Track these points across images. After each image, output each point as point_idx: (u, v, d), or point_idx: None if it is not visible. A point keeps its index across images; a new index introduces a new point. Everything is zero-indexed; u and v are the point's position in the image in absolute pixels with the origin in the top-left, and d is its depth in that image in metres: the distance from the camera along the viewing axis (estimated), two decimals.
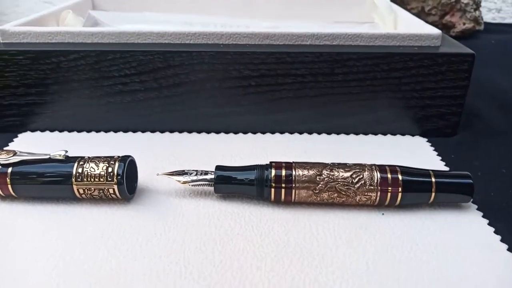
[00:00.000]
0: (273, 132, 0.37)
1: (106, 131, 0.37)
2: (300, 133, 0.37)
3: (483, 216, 0.27)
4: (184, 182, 0.28)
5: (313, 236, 0.25)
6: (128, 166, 0.28)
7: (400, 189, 0.26)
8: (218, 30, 0.35)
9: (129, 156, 0.28)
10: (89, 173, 0.27)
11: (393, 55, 0.34)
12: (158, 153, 0.34)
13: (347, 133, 0.37)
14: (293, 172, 0.27)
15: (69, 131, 0.37)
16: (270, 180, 0.27)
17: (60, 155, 0.28)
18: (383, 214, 0.27)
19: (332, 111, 0.36)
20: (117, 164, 0.27)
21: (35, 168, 0.28)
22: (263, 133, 0.37)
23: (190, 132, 0.37)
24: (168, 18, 0.47)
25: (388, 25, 0.43)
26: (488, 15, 0.77)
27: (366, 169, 0.27)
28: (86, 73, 0.35)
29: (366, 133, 0.37)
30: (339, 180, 0.26)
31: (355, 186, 0.26)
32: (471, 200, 0.27)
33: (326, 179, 0.27)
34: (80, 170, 0.27)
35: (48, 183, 0.27)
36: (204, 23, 0.45)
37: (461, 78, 0.34)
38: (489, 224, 0.26)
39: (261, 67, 0.34)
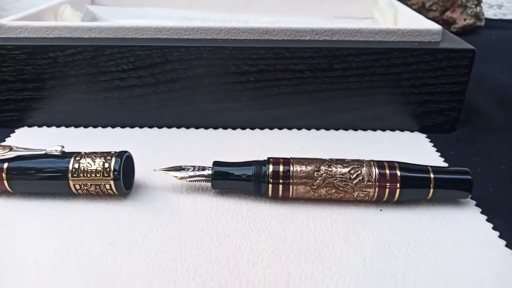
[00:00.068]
0: (271, 128, 0.37)
1: (103, 127, 0.37)
2: (299, 129, 0.37)
3: (481, 212, 0.26)
4: (181, 178, 0.28)
5: (310, 232, 0.25)
6: (125, 161, 0.27)
7: (398, 185, 0.26)
8: (217, 25, 0.35)
9: (126, 152, 0.28)
10: (86, 169, 0.27)
11: (392, 50, 0.33)
12: (156, 149, 0.33)
13: (346, 129, 0.36)
14: (291, 168, 0.27)
15: (67, 126, 0.37)
16: (267, 176, 0.27)
17: (57, 150, 0.28)
18: (381, 210, 0.27)
19: (331, 106, 0.36)
20: (113, 160, 0.27)
21: (31, 164, 0.27)
22: (262, 128, 0.37)
23: (187, 127, 0.37)
24: (167, 14, 0.47)
25: (389, 20, 0.43)
26: (489, 11, 0.76)
27: (364, 165, 0.27)
28: (83, 68, 0.35)
29: (365, 129, 0.36)
30: (337, 176, 0.26)
31: (353, 182, 0.26)
32: (470, 196, 0.27)
33: (324, 175, 0.26)
34: (76, 165, 0.27)
35: (44, 178, 0.27)
36: (204, 19, 0.45)
37: (461, 74, 0.34)
38: (487, 220, 0.26)
39: (260, 63, 0.34)
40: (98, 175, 0.27)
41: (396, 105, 0.35)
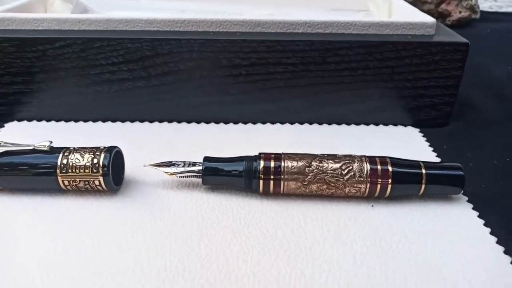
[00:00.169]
0: (264, 122, 0.36)
1: (94, 121, 0.36)
2: (291, 123, 0.36)
3: (473, 208, 0.26)
4: (172, 174, 0.27)
5: (301, 228, 0.25)
6: (114, 157, 0.27)
7: (390, 180, 0.26)
8: (208, 18, 0.35)
9: (115, 147, 0.28)
10: (74, 164, 0.27)
11: (385, 43, 0.33)
12: (147, 144, 0.33)
13: (339, 123, 0.36)
14: (282, 164, 0.26)
15: (57, 120, 0.37)
16: (258, 172, 0.26)
17: (45, 146, 0.27)
18: (372, 206, 0.26)
19: (324, 100, 0.35)
20: (102, 155, 0.27)
21: (19, 159, 0.27)
22: (254, 123, 0.36)
23: (179, 121, 0.36)
24: (161, 5, 0.46)
25: (383, 13, 0.42)
26: (485, 4, 0.76)
27: (356, 160, 0.26)
28: (73, 61, 0.34)
29: (358, 123, 0.36)
30: (328, 171, 0.26)
31: (344, 177, 0.26)
32: (462, 192, 0.27)
33: (315, 170, 0.26)
34: (65, 161, 0.27)
35: (33, 174, 0.27)
36: (197, 10, 0.44)
37: (454, 67, 0.33)
38: (479, 216, 0.26)
39: (252, 56, 0.34)
40: (87, 171, 0.26)
41: (389, 99, 0.35)
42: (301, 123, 0.36)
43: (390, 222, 0.25)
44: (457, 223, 0.25)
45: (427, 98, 0.35)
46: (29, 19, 0.35)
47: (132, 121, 0.36)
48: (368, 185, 0.26)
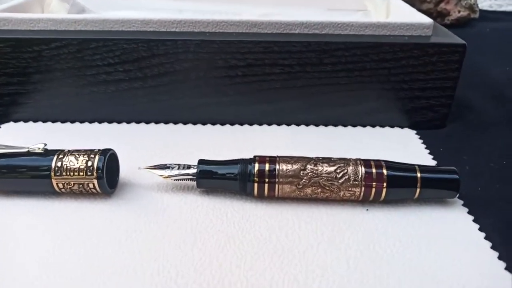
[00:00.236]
0: (260, 124, 0.36)
1: (90, 122, 0.36)
2: (288, 124, 0.36)
3: (468, 213, 0.26)
4: (166, 177, 0.27)
5: (295, 232, 0.25)
6: (109, 159, 0.27)
7: (384, 184, 0.26)
8: (205, 18, 0.34)
9: (110, 150, 0.28)
10: (68, 167, 0.26)
11: (382, 45, 0.33)
12: (143, 145, 0.33)
13: (336, 125, 0.36)
14: (277, 167, 0.26)
15: (53, 121, 0.36)
16: (253, 175, 0.26)
17: (39, 148, 0.27)
18: (367, 209, 0.26)
19: (320, 102, 0.35)
20: (97, 158, 0.27)
21: (13, 162, 0.27)
22: (250, 124, 0.36)
23: (175, 123, 0.36)
24: (160, 5, 0.46)
25: (381, 13, 0.42)
26: (485, 2, 0.75)
27: (351, 163, 0.26)
28: (69, 62, 0.34)
29: (354, 125, 0.36)
30: (323, 175, 0.26)
31: (339, 181, 0.26)
32: (457, 196, 0.27)
33: (309, 174, 0.26)
34: (59, 164, 0.27)
35: (27, 177, 0.27)
36: (195, 10, 0.44)
37: (451, 69, 0.33)
38: (474, 220, 0.25)
39: (248, 57, 0.33)
40: (81, 173, 0.26)
41: (386, 100, 0.35)
42: (298, 124, 0.36)
43: (385, 226, 0.25)
44: (452, 227, 0.25)
45: (424, 100, 0.35)
46: (25, 19, 0.35)
47: (128, 122, 0.36)
48: (363, 188, 0.26)
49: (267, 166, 0.26)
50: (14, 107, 0.36)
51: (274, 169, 0.26)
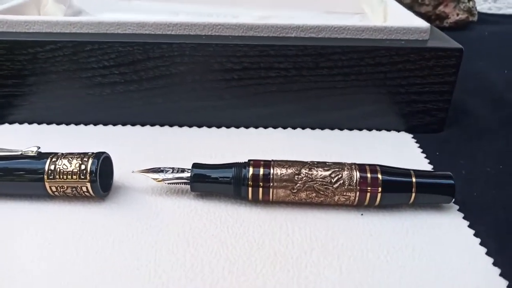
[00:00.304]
0: (256, 127, 0.36)
1: (86, 124, 0.36)
2: (284, 127, 0.36)
3: (464, 218, 0.26)
4: (160, 180, 0.27)
5: (288, 237, 0.24)
6: (102, 163, 0.27)
7: (379, 189, 0.26)
8: (201, 21, 0.34)
9: (103, 153, 0.27)
10: (62, 170, 0.26)
11: (378, 49, 0.33)
12: (137, 148, 0.33)
13: (332, 128, 0.36)
14: (271, 171, 0.26)
15: (48, 123, 0.36)
16: (247, 179, 0.26)
17: (33, 151, 0.27)
18: (362, 214, 0.26)
19: (317, 105, 0.35)
20: (90, 161, 0.26)
21: (6, 165, 0.27)
22: (247, 127, 0.36)
23: (171, 125, 0.36)
24: (156, 7, 0.46)
25: (378, 16, 0.42)
26: (485, 5, 0.75)
27: (346, 168, 0.26)
28: (64, 65, 0.34)
29: (351, 129, 0.36)
30: (318, 179, 0.26)
31: (334, 186, 0.26)
32: (453, 201, 0.26)
33: (304, 178, 0.26)
34: (52, 167, 0.26)
35: (20, 180, 0.27)
36: (191, 13, 0.44)
37: (448, 73, 0.33)
38: (469, 226, 0.25)
39: (244, 60, 0.33)
40: (74, 177, 0.26)
41: (382, 104, 0.35)
42: (294, 127, 0.36)
43: (379, 231, 0.25)
44: (446, 233, 0.25)
45: (421, 104, 0.34)
46: (20, 21, 0.35)
47: (123, 125, 0.36)
48: (358, 193, 0.26)
49: (261, 170, 0.26)
50: (10, 109, 0.36)
51: (269, 173, 0.26)
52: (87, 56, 0.33)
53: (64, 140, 0.34)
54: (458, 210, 0.27)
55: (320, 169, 0.26)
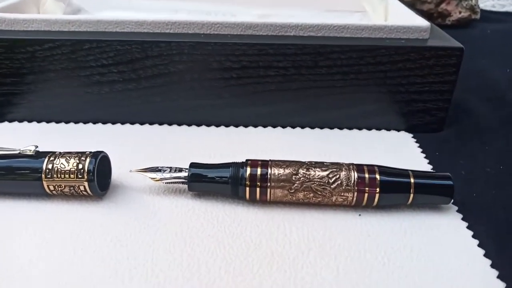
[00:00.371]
0: (255, 126, 0.36)
1: (84, 122, 0.36)
2: (283, 126, 0.36)
3: (462, 219, 0.26)
4: (157, 180, 0.27)
5: (286, 237, 0.24)
6: (100, 162, 0.27)
7: (377, 189, 0.25)
8: (199, 20, 0.34)
9: (101, 152, 0.27)
10: (59, 169, 0.26)
11: (378, 48, 0.32)
12: (136, 147, 0.33)
13: (331, 128, 0.36)
14: (269, 171, 0.26)
15: (47, 121, 0.36)
16: (245, 179, 0.26)
17: (30, 150, 0.27)
18: (359, 215, 0.26)
19: (316, 104, 0.35)
20: (88, 160, 0.26)
21: (4, 164, 0.27)
22: (245, 126, 0.36)
23: (170, 124, 0.36)
24: (156, 5, 0.45)
25: (379, 14, 0.41)
26: (488, 2, 0.75)
27: (344, 168, 0.26)
28: (62, 63, 0.34)
29: (350, 128, 0.36)
30: (315, 180, 0.26)
31: (331, 186, 0.26)
32: (451, 202, 0.26)
33: (302, 178, 0.26)
34: (50, 166, 0.26)
35: (18, 179, 0.27)
36: (192, 10, 0.44)
37: (448, 72, 0.33)
38: (468, 227, 0.25)
39: (243, 59, 0.33)
40: (72, 176, 0.26)
41: (382, 103, 0.34)
42: (293, 127, 0.36)
43: (377, 232, 0.25)
44: (444, 234, 0.25)
45: (421, 103, 0.34)
46: (18, 19, 0.35)
47: (122, 123, 0.36)
48: (356, 194, 0.26)
49: (259, 170, 0.26)
50: (9, 107, 0.36)
51: (266, 173, 0.26)
52: (86, 54, 0.33)
53: (63, 139, 0.34)
54: (457, 211, 0.26)
55: (317, 169, 0.26)
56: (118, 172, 0.29)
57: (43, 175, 0.26)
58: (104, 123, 0.36)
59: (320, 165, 0.26)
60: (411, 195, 0.26)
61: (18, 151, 0.27)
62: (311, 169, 0.26)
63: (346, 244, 0.24)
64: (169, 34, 0.34)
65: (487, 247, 0.24)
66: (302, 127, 0.36)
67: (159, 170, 0.27)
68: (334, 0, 0.48)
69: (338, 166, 0.26)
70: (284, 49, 0.33)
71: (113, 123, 0.36)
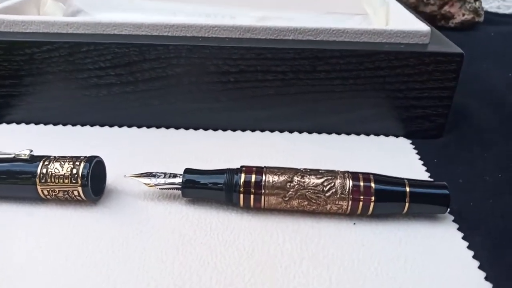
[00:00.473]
0: (253, 130, 0.36)
1: (82, 125, 0.36)
2: (281, 131, 0.36)
3: (458, 229, 0.25)
4: (151, 186, 0.27)
5: (279, 246, 0.24)
6: (94, 167, 0.27)
7: (372, 198, 0.25)
8: (198, 23, 0.34)
9: (96, 157, 0.27)
10: (54, 174, 0.26)
11: (377, 53, 0.32)
12: (133, 150, 0.33)
13: (329, 133, 0.35)
14: (263, 178, 0.26)
15: (45, 123, 0.36)
16: (239, 186, 0.26)
17: (25, 154, 0.27)
18: (354, 223, 0.26)
19: (314, 109, 0.35)
20: (82, 165, 0.26)
21: None
22: (243, 130, 0.36)
23: (167, 127, 0.36)
24: (155, 5, 0.45)
25: (379, 17, 0.41)
26: (493, 3, 0.74)
27: (339, 176, 0.26)
28: (60, 65, 0.34)
29: (348, 133, 0.35)
30: (310, 187, 0.25)
31: (326, 194, 0.25)
32: (448, 211, 0.26)
33: (296, 186, 0.26)
34: (44, 170, 0.26)
35: (12, 183, 0.27)
36: (191, 13, 0.44)
37: (448, 78, 0.33)
38: (463, 238, 0.25)
39: (240, 63, 0.33)
40: (66, 181, 0.26)
41: (381, 109, 0.34)
42: (291, 131, 0.36)
43: (371, 241, 0.24)
44: (439, 245, 0.24)
45: (420, 109, 0.34)
46: (17, 21, 0.35)
47: (120, 126, 0.36)
48: (350, 202, 0.25)
49: (253, 177, 0.26)
50: (7, 109, 0.36)
51: (261, 180, 0.26)
52: (83, 57, 0.33)
53: (60, 142, 0.34)
54: (453, 220, 0.26)
55: (312, 176, 0.26)
56: (114, 175, 0.29)
57: (37, 180, 0.26)
58: (101, 125, 0.36)
59: (315, 172, 0.26)
60: (407, 204, 0.25)
61: (13, 155, 0.27)
62: (306, 176, 0.26)
63: (339, 254, 0.24)
64: (167, 37, 0.34)
65: (482, 259, 0.23)
66: (300, 132, 0.36)
67: (154, 176, 0.27)
68: (335, 2, 0.47)
69: (333, 174, 0.26)
70: (282, 54, 0.32)
71: (111, 125, 0.36)
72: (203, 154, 0.32)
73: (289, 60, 0.33)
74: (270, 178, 0.26)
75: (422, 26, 0.34)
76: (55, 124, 0.36)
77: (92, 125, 0.36)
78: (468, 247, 0.24)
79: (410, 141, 0.34)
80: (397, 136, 0.35)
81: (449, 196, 0.25)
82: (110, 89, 0.35)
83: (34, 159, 0.27)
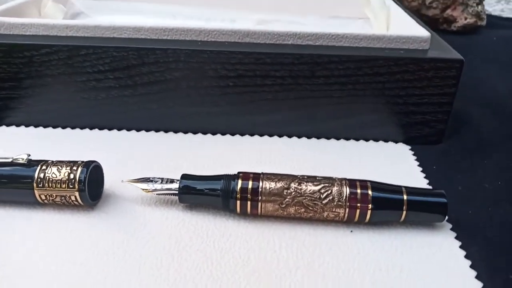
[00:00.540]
0: (252, 134, 0.36)
1: (81, 128, 0.36)
2: (280, 136, 0.35)
3: (456, 238, 0.25)
4: (149, 191, 0.27)
5: (275, 254, 0.24)
6: (92, 172, 0.27)
7: (369, 206, 0.25)
8: (197, 26, 0.34)
9: (93, 162, 0.27)
10: (51, 179, 0.26)
11: (377, 58, 0.32)
12: (131, 154, 0.33)
13: (328, 138, 0.35)
14: (260, 184, 0.26)
15: (45, 126, 0.36)
16: (236, 192, 0.26)
17: (23, 158, 0.27)
18: (351, 231, 0.26)
19: (313, 114, 0.34)
20: (79, 170, 0.26)
21: None
22: (242, 134, 0.36)
23: (166, 131, 0.36)
24: (155, 8, 0.45)
25: (380, 22, 0.41)
26: (497, 6, 0.74)
27: (336, 183, 0.26)
28: (59, 68, 0.34)
29: (347, 138, 0.35)
30: (307, 195, 0.25)
31: (323, 201, 0.25)
32: (445, 219, 0.26)
33: (293, 193, 0.25)
34: (42, 175, 0.26)
35: (10, 187, 0.27)
36: (190, 16, 0.44)
37: (448, 85, 0.32)
38: (461, 247, 0.25)
39: (238, 67, 0.33)
40: (63, 185, 0.26)
41: (380, 114, 0.34)
42: (290, 136, 0.35)
43: (367, 250, 0.24)
44: (436, 253, 0.24)
45: (419, 115, 0.34)
46: (17, 24, 0.35)
47: (119, 129, 0.36)
48: (347, 210, 0.25)
49: (250, 184, 0.26)
50: (7, 111, 0.36)
51: (258, 187, 0.26)
52: (82, 60, 0.33)
53: (59, 145, 0.34)
54: (451, 229, 0.26)
55: (309, 183, 0.26)
56: (111, 180, 0.29)
57: (34, 184, 0.26)
58: (100, 129, 0.36)
59: (313, 179, 0.26)
60: (404, 212, 0.25)
61: (11, 159, 0.27)
62: (303, 183, 0.26)
63: (335, 262, 0.23)
64: (166, 41, 0.34)
65: (479, 268, 0.23)
66: (299, 137, 0.35)
67: (151, 181, 0.27)
68: (337, 6, 0.47)
69: (330, 181, 0.26)
70: (281, 59, 0.32)
71: (110, 129, 0.36)
72: (201, 158, 0.32)
73: (288, 65, 0.33)
74: (267, 185, 0.26)
75: (422, 32, 0.33)
76: (54, 127, 0.36)
77: (91, 128, 0.36)
78: (466, 257, 0.24)
79: (410, 147, 0.34)
80: (396, 142, 0.35)
81: (447, 204, 0.25)
82: (109, 93, 0.35)
83: (31, 163, 0.27)
